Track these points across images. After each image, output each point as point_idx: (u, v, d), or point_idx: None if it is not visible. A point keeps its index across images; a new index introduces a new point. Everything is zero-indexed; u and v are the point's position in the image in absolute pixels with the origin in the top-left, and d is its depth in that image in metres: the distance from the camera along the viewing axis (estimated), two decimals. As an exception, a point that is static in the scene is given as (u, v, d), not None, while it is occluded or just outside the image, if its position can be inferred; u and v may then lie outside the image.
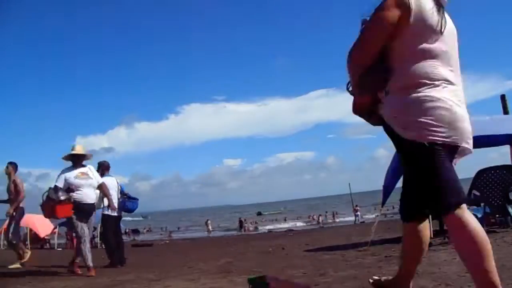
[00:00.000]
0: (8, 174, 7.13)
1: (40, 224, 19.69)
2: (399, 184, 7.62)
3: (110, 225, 7.06)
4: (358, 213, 31.93)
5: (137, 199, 7.34)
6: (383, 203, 8.96)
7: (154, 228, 44.45)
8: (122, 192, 7.15)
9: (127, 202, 7.13)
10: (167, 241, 21.95)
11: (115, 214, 6.99)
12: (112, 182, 6.98)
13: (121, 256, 6.91)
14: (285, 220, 39.24)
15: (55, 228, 19.50)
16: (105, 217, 7.02)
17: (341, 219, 35.74)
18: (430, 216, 6.56)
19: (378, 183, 8.27)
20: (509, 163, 7.17)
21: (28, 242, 18.90)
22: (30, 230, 19.38)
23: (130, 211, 7.28)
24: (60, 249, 17.36)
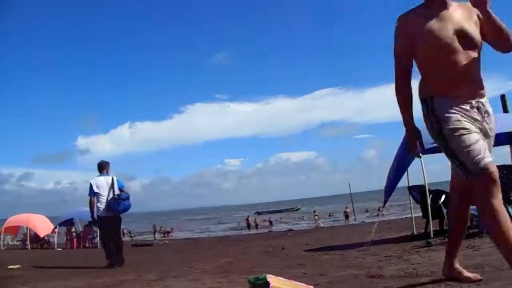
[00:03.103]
0: None
1: (40, 224, 19.73)
2: (400, 184, 7.67)
3: (103, 226, 7.01)
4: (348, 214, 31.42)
5: (123, 200, 6.91)
6: (384, 203, 8.96)
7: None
8: (120, 190, 7.00)
9: (111, 203, 6.83)
10: (167, 241, 21.97)
11: (105, 214, 6.81)
12: (102, 181, 6.93)
13: (119, 256, 6.80)
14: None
15: (55, 228, 19.51)
16: (98, 218, 6.94)
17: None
18: (430, 216, 6.61)
19: (380, 183, 8.27)
20: (507, 163, 7.17)
21: (28, 241, 18.96)
22: (30, 230, 19.41)
23: (114, 211, 6.87)
24: (60, 249, 17.36)
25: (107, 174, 7.14)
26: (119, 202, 6.90)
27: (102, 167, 7.15)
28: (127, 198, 7.01)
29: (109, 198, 6.87)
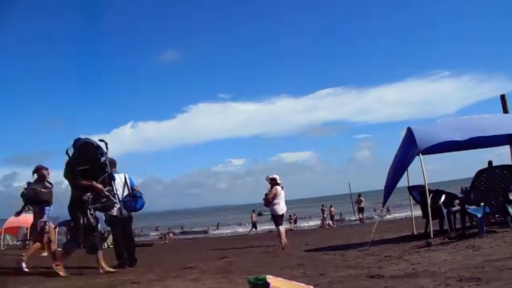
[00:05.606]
0: None
1: (40, 224, 19.69)
2: (400, 184, 7.66)
3: (113, 225, 6.83)
4: (325, 214, 29.96)
5: (139, 197, 6.66)
6: (384, 203, 8.94)
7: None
8: (132, 188, 6.75)
9: (128, 201, 6.59)
10: (167, 241, 21.96)
11: (119, 214, 6.60)
12: (117, 179, 6.55)
13: (130, 257, 6.63)
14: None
15: (55, 228, 19.48)
16: (111, 218, 6.73)
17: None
18: (430, 216, 6.60)
19: (382, 183, 8.26)
20: (507, 163, 7.17)
21: (28, 241, 18.94)
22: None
23: (131, 210, 6.67)
24: (60, 249, 17.34)
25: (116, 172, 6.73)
26: (136, 200, 6.61)
27: (114, 165, 6.76)
28: (141, 196, 6.72)
29: (124, 196, 6.59)
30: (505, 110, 8.72)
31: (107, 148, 5.91)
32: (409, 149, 6.99)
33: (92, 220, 5.72)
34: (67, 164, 5.82)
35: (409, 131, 7.01)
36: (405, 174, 7.61)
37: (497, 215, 6.75)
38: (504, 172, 6.06)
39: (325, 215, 30.39)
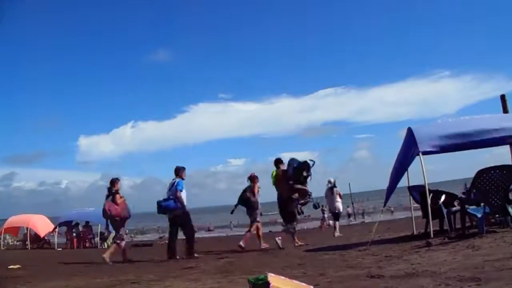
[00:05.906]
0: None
1: (40, 224, 19.70)
2: (400, 184, 7.64)
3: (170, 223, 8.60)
4: (325, 214, 30.04)
5: (161, 201, 8.09)
6: (385, 203, 8.94)
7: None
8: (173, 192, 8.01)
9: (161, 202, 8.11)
10: (167, 241, 21.91)
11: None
12: (169, 184, 8.17)
13: (171, 252, 8.34)
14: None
15: (55, 228, 19.49)
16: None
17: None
18: (430, 216, 6.60)
19: (382, 183, 8.30)
20: (507, 163, 7.16)
21: (28, 241, 18.93)
22: (30, 230, 19.39)
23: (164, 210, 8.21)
24: (60, 249, 17.34)
25: (179, 178, 8.11)
26: (158, 204, 8.06)
27: (175, 172, 8.23)
28: (164, 200, 8.04)
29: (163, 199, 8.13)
30: (505, 110, 8.70)
31: (313, 165, 8.47)
32: (409, 149, 6.99)
33: (299, 211, 8.50)
34: (275, 176, 8.59)
35: (410, 131, 7.00)
36: (405, 174, 7.61)
37: (497, 215, 6.74)
38: (504, 172, 6.05)
39: (325, 215, 30.17)
